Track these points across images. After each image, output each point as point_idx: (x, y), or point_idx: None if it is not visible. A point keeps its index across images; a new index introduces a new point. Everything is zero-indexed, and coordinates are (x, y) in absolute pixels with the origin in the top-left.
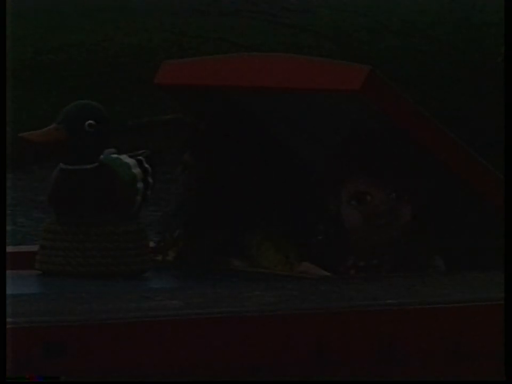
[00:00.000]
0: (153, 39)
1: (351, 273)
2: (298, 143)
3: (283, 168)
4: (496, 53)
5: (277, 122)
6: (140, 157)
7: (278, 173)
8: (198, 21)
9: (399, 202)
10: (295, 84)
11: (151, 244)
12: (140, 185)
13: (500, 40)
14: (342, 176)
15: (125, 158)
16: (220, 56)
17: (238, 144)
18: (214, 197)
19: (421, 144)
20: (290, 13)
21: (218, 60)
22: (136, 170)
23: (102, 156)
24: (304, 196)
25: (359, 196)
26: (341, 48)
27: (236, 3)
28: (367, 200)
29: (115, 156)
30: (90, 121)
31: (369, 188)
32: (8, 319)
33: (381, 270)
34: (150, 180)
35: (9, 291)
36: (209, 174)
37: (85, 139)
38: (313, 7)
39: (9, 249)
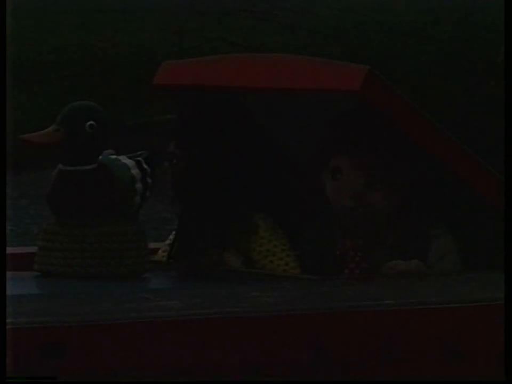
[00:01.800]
0: (153, 39)
1: (351, 255)
2: (289, 138)
3: (275, 162)
4: (496, 53)
5: (268, 116)
6: (139, 158)
7: (269, 165)
8: (198, 21)
9: (369, 190)
10: (294, 84)
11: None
12: (138, 186)
13: (499, 40)
14: (326, 154)
15: (123, 158)
16: (219, 56)
17: (227, 136)
18: (203, 187)
19: (419, 144)
20: (290, 13)
21: (218, 61)
22: (135, 171)
23: (100, 157)
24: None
25: (333, 171)
26: (341, 48)
27: (236, 3)
28: (338, 176)
29: (114, 156)
30: (91, 122)
31: (343, 165)
32: (8, 320)
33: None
34: (149, 181)
35: (8, 292)
36: (195, 164)
37: (84, 140)
38: (313, 7)
39: (8, 250)
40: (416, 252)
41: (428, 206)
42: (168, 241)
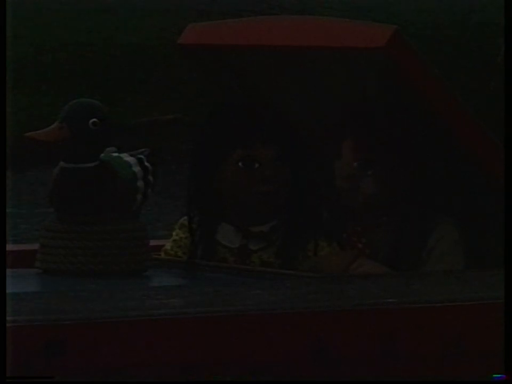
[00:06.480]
0: (153, 39)
1: (353, 241)
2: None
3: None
4: (496, 53)
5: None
6: (140, 156)
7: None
8: (198, 21)
9: (361, 174)
10: (320, 42)
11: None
12: (140, 183)
13: (499, 40)
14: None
15: (125, 156)
16: (245, 18)
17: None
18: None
19: (436, 111)
20: (290, 13)
21: (244, 22)
22: (137, 169)
23: (102, 155)
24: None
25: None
26: None
27: (236, 3)
28: (335, 158)
29: (115, 154)
30: (94, 119)
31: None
32: (8, 318)
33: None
34: (151, 178)
35: (9, 289)
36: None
37: (88, 137)
38: (313, 7)
39: (9, 247)
40: (413, 245)
41: (431, 198)
42: (173, 239)
